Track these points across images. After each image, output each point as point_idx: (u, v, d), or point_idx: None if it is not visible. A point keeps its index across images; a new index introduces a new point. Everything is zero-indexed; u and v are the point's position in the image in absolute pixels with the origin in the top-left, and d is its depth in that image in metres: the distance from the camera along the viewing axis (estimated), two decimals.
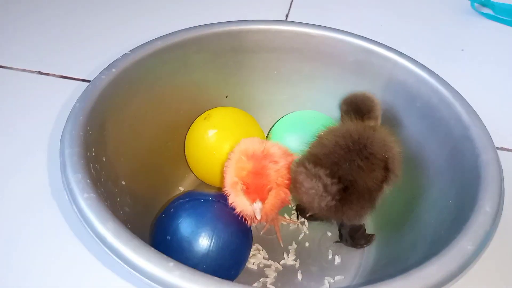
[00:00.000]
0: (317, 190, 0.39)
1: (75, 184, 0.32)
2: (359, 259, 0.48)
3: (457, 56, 0.78)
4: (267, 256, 0.48)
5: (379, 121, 0.47)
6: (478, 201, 0.34)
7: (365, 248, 0.48)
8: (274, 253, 0.48)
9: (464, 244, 0.31)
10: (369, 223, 0.50)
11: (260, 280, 0.45)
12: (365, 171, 0.40)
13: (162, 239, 0.40)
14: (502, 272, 0.47)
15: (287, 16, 0.85)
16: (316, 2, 0.90)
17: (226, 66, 0.54)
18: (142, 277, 0.28)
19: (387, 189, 0.42)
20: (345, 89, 0.53)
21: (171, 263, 0.28)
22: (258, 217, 0.39)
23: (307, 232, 0.50)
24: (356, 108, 0.46)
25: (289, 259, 0.48)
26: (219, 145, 0.48)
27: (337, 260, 0.48)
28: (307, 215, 0.50)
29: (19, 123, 0.60)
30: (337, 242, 0.49)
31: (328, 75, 0.54)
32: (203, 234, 0.39)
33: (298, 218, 0.52)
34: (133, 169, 0.46)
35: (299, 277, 0.46)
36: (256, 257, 0.47)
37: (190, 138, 0.52)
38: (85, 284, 0.43)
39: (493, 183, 0.35)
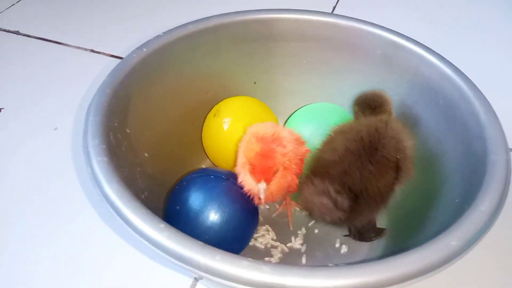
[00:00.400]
0: (327, 207, 0.40)
1: (92, 148, 0.36)
2: (367, 250, 0.48)
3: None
4: (275, 238, 0.50)
5: (392, 115, 0.47)
6: (476, 200, 0.34)
7: (374, 241, 0.49)
8: (283, 236, 0.50)
9: (448, 239, 0.31)
10: (381, 216, 0.50)
11: (265, 259, 0.47)
12: (376, 176, 0.40)
13: (172, 208, 0.43)
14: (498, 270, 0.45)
15: (333, 8, 0.85)
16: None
17: (255, 53, 0.56)
18: (136, 235, 0.31)
19: (398, 189, 0.42)
20: (372, 83, 0.54)
21: (162, 225, 0.31)
22: (262, 197, 0.41)
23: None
24: (367, 104, 0.46)
25: (296, 243, 0.49)
26: (232, 136, 0.50)
27: (344, 249, 0.48)
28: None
29: (57, 92, 0.67)
30: (345, 236, 0.50)
31: (356, 68, 0.54)
32: (209, 207, 0.42)
33: None
34: (157, 144, 0.49)
35: (303, 260, 0.47)
36: (265, 237, 0.49)
37: (205, 132, 0.54)
38: (89, 236, 0.50)
39: (495, 183, 0.35)
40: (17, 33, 0.78)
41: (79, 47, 0.75)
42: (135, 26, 0.80)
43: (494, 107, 0.42)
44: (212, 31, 0.52)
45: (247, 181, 0.43)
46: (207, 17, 0.52)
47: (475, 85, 0.44)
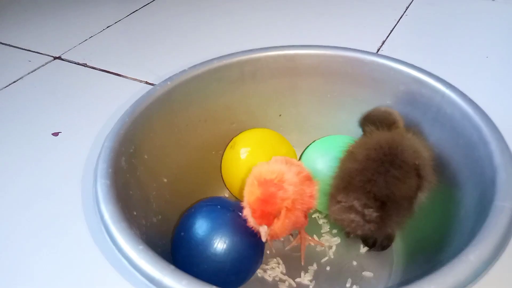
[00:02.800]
0: (357, 222, 0.41)
1: (99, 171, 0.40)
2: None
3: None
4: (284, 271, 0.49)
5: (403, 129, 0.46)
6: (468, 247, 0.31)
7: (390, 276, 0.46)
8: (293, 270, 0.49)
9: (424, 285, 0.29)
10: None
11: None
12: (400, 180, 0.41)
13: (178, 234, 0.45)
14: None
15: (378, 50, 0.84)
16: (411, 41, 0.87)
17: (280, 87, 0.57)
18: (117, 252, 0.33)
19: (422, 196, 0.42)
20: None
21: (141, 247, 0.33)
22: (264, 240, 0.42)
23: (332, 257, 0.50)
24: (381, 122, 0.46)
25: (305, 278, 0.48)
26: (249, 166, 0.50)
27: None
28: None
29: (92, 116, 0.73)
30: (369, 251, 0.49)
31: (380, 103, 0.53)
32: (210, 237, 0.43)
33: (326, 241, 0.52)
34: (177, 170, 0.52)
35: None
36: (274, 270, 0.49)
37: (223, 163, 0.56)
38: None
39: (493, 232, 0.32)
40: (84, 65, 0.87)
41: (135, 79, 0.82)
42: (184, 58, 0.85)
43: None
44: (237, 66, 0.55)
45: (250, 219, 0.43)
46: (233, 53, 0.55)
47: (494, 125, 0.41)
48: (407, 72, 0.50)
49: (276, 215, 0.41)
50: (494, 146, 0.39)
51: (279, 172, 0.42)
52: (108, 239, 0.34)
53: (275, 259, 0.50)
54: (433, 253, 0.41)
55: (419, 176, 0.41)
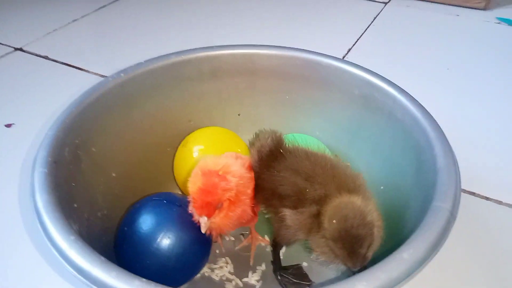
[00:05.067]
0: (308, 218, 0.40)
1: (38, 160, 0.38)
2: None
3: None
4: (232, 271, 0.48)
5: None
6: (402, 246, 0.32)
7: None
8: (241, 270, 0.48)
9: (356, 283, 0.29)
10: None
11: None
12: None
13: (121, 228, 0.44)
14: None
15: (344, 57, 0.85)
16: (376, 49, 0.89)
17: (240, 87, 0.57)
18: (48, 243, 0.32)
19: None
20: (351, 120, 0.53)
21: (73, 237, 0.31)
22: (203, 231, 0.41)
23: (282, 257, 0.50)
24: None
25: (253, 279, 0.48)
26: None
27: None
28: None
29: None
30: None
31: (336, 105, 0.54)
32: (154, 232, 0.42)
33: None
34: (129, 166, 0.51)
35: None
36: (222, 269, 0.48)
37: (175, 162, 0.55)
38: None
39: (427, 231, 0.32)
40: (46, 57, 0.85)
41: (96, 73, 0.81)
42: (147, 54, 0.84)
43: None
44: (195, 62, 0.54)
45: (194, 212, 0.43)
46: (191, 49, 0.54)
47: (440, 129, 0.42)
48: (362, 76, 0.50)
49: (216, 206, 0.40)
50: (438, 149, 0.40)
51: (224, 164, 0.42)
52: (40, 228, 0.33)
53: (223, 259, 0.50)
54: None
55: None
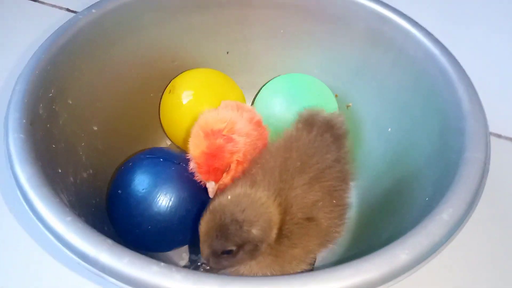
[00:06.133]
0: None
1: (11, 124, 0.32)
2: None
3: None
4: None
5: None
6: (440, 205, 0.29)
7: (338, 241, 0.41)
8: None
9: (397, 252, 0.26)
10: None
11: None
12: None
13: (114, 191, 0.39)
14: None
15: None
16: None
17: (229, 20, 0.50)
18: (40, 224, 0.27)
19: None
20: (354, 58, 0.49)
21: (69, 218, 0.27)
22: (211, 196, 0.37)
23: None
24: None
25: None
26: (192, 112, 0.45)
27: None
28: None
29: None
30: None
31: (338, 41, 0.49)
32: (153, 194, 0.37)
33: None
34: (110, 117, 0.45)
35: None
36: None
37: (162, 110, 0.49)
38: None
39: (466, 186, 0.30)
40: None
41: (54, 5, 0.70)
42: None
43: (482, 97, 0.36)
44: None
45: (196, 173, 0.38)
46: None
47: (462, 69, 0.38)
48: (369, 7, 0.45)
49: (224, 170, 0.37)
50: (462, 91, 0.37)
51: (229, 121, 0.37)
52: (28, 209, 0.28)
53: None
54: (394, 209, 0.39)
55: None
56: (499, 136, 0.53)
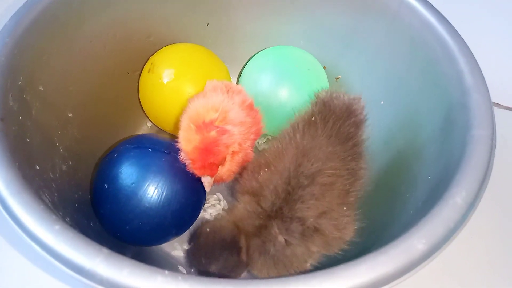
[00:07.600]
0: None
1: None
2: None
3: None
4: (226, 208, 0.44)
5: None
6: (451, 187, 0.28)
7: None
8: None
9: (414, 241, 0.25)
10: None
11: None
12: None
13: (100, 186, 0.36)
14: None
15: None
16: None
17: None
18: (25, 236, 0.24)
19: None
20: (344, 27, 0.46)
21: (57, 226, 0.24)
22: (208, 190, 0.36)
23: None
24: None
25: None
26: (174, 92, 0.42)
27: None
28: None
29: None
30: None
31: (326, 9, 0.46)
32: (143, 188, 0.35)
33: None
34: (86, 101, 0.42)
35: None
36: (215, 207, 0.44)
37: (141, 90, 0.46)
38: None
39: (476, 168, 0.29)
40: None
41: None
42: None
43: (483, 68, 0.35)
44: None
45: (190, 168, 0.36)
46: None
47: (462, 39, 0.37)
48: None
49: (220, 164, 0.34)
50: (463, 64, 0.35)
51: (221, 110, 0.34)
52: (9, 218, 0.25)
53: (215, 196, 0.45)
54: (395, 187, 0.38)
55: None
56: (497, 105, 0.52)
